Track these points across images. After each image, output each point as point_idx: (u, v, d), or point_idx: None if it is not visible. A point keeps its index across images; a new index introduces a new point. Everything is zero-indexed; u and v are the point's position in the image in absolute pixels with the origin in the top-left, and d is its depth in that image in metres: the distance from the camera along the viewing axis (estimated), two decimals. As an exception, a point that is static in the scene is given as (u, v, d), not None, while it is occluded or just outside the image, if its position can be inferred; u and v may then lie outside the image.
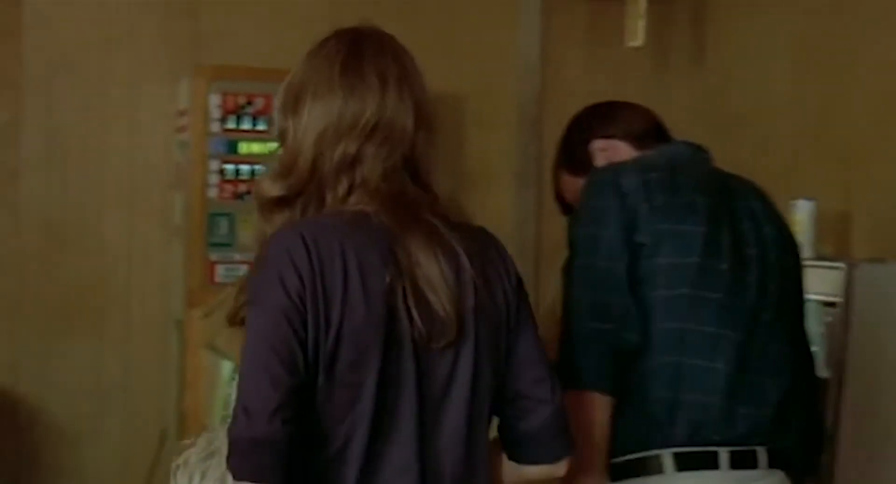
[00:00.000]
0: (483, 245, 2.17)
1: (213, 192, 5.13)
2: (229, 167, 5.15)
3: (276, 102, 2.20)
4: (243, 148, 5.16)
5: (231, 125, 5.15)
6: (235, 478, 1.96)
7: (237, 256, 5.15)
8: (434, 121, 2.18)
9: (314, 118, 2.10)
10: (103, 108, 5.41)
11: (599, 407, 2.66)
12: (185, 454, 2.58)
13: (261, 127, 5.18)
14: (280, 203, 2.13)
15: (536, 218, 5.88)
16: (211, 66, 5.18)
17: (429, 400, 2.05)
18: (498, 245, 2.23)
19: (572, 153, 3.03)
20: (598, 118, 3.05)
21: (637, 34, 5.04)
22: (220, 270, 5.12)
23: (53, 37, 5.36)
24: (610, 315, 2.69)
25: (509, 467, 2.24)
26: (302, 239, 2.00)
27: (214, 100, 5.12)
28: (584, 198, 2.77)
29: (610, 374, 2.68)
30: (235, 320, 2.14)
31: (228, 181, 5.16)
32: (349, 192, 2.10)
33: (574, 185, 2.98)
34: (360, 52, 2.15)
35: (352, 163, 2.10)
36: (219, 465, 2.24)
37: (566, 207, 3.09)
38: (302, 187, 2.11)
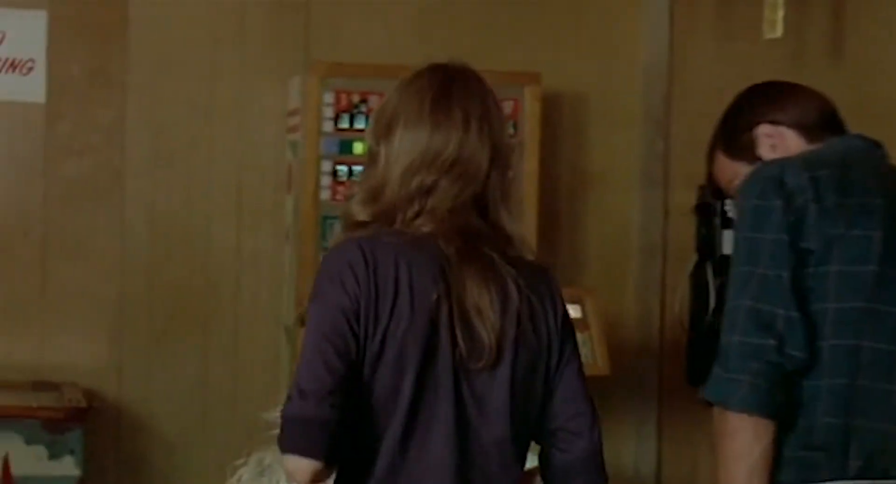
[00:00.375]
0: (535, 282, 2.35)
1: (325, 195, 4.94)
2: (342, 168, 4.97)
3: (369, 126, 2.43)
4: (357, 148, 4.93)
5: (344, 124, 4.96)
6: (284, 451, 2.19)
7: None
8: (510, 159, 2.40)
9: (404, 148, 2.32)
10: (211, 107, 5.24)
11: (756, 432, 2.40)
12: (238, 473, 2.98)
13: None
14: (362, 223, 2.35)
15: (663, 220, 5.60)
16: (324, 63, 4.98)
17: (463, 416, 2.26)
18: (552, 284, 2.42)
19: (733, 135, 2.74)
20: (766, 101, 2.75)
21: (776, 25, 4.73)
22: None
23: (159, 34, 5.22)
24: (772, 329, 2.43)
25: None
26: (361, 250, 2.26)
27: (327, 98, 4.93)
28: (743, 197, 2.49)
29: (770, 395, 2.40)
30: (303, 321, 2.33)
31: (341, 183, 4.96)
32: (416, 216, 2.31)
33: (730, 169, 2.71)
34: (449, 89, 2.35)
35: (426, 192, 2.30)
36: (270, 483, 2.60)
37: (717, 192, 2.81)
38: (385, 212, 2.32)
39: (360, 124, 4.95)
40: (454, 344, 2.25)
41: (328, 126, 4.94)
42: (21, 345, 5.03)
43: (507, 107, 5.02)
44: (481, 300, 2.26)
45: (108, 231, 5.13)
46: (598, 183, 5.59)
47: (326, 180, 4.94)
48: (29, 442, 4.41)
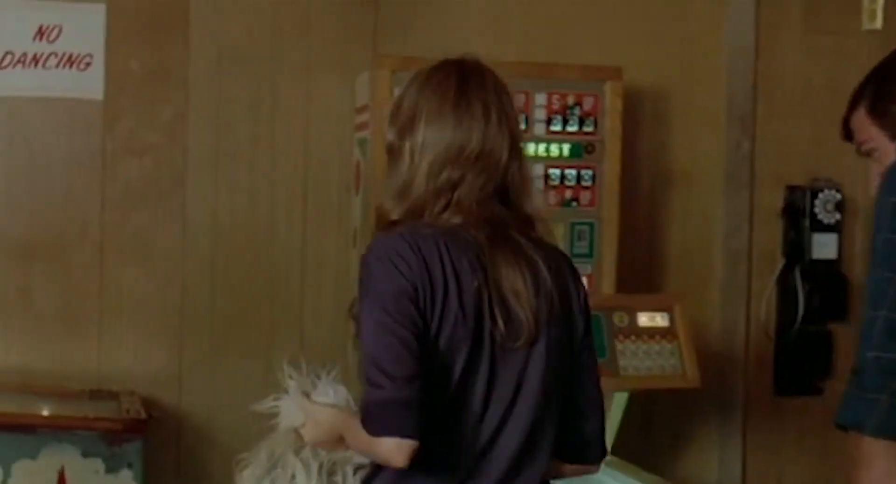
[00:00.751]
0: (560, 264, 2.49)
1: None
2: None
3: (388, 119, 2.52)
4: None
5: None
6: (379, 435, 2.24)
7: None
8: (524, 148, 2.53)
9: (428, 143, 2.42)
10: (275, 104, 5.03)
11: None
12: (246, 472, 2.85)
13: None
14: (395, 222, 2.45)
15: (749, 224, 5.35)
16: (394, 57, 4.73)
17: (498, 392, 2.35)
18: (572, 266, 2.57)
19: (882, 101, 2.47)
20: None
21: (875, 16, 4.47)
22: None
23: (222, 28, 5.00)
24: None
25: (558, 465, 2.55)
26: (405, 240, 2.35)
27: (397, 94, 4.64)
28: (885, 192, 2.21)
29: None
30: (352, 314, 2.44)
31: None
32: (444, 209, 2.41)
33: (866, 130, 2.47)
34: (467, 83, 2.45)
35: (453, 186, 2.41)
36: (283, 474, 2.65)
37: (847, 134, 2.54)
38: (414, 208, 2.42)
39: None
40: (494, 326, 2.35)
41: (399, 123, 4.67)
42: (78, 352, 4.84)
43: (587, 103, 4.79)
44: (517, 282, 2.37)
45: (168, 233, 4.93)
46: (680, 184, 5.35)
47: (397, 180, 4.67)
48: (86, 454, 4.19)
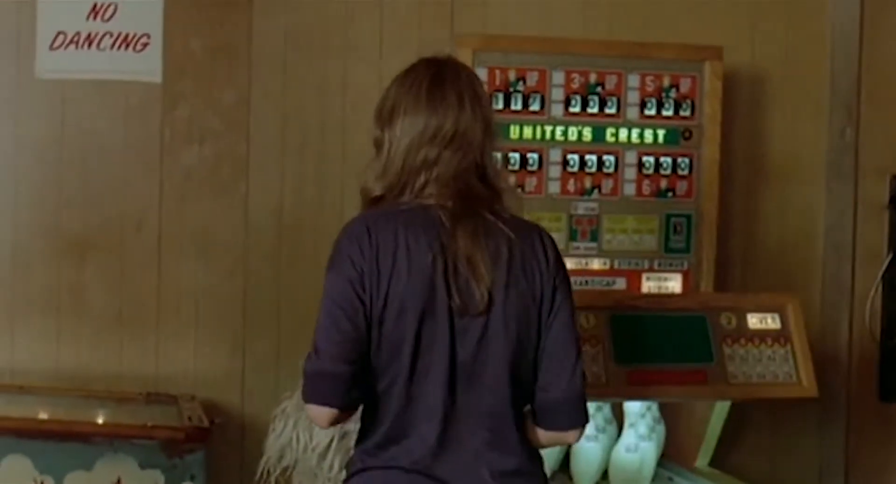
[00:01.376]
0: (526, 236, 2.73)
1: None
2: (496, 155, 4.27)
3: (374, 117, 2.81)
4: (513, 132, 4.37)
5: (498, 106, 4.36)
6: (306, 401, 2.62)
7: None
8: (496, 132, 2.82)
9: (405, 130, 2.71)
10: (345, 87, 4.73)
11: None
12: (283, 404, 3.57)
13: (534, 107, 4.39)
14: (377, 198, 2.74)
15: (853, 217, 5.00)
16: (476, 36, 4.41)
17: (462, 358, 2.62)
18: (543, 237, 2.79)
19: None
20: None
21: None
22: None
23: (289, 5, 4.68)
24: None
25: (534, 429, 2.74)
26: (366, 226, 2.65)
27: (480, 75, 4.29)
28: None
29: None
30: None
31: None
32: (424, 186, 2.68)
33: None
34: (442, 77, 2.75)
35: (431, 164, 2.69)
36: (303, 437, 3.31)
37: None
38: (394, 185, 2.71)
39: (516, 106, 4.38)
40: (450, 296, 2.61)
41: (480, 107, 4.34)
42: (133, 352, 4.58)
43: (684, 85, 4.46)
44: (472, 253, 2.62)
45: (230, 227, 4.64)
46: (778, 174, 4.99)
47: (478, 169, 4.34)
48: (144, 466, 3.88)
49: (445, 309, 2.63)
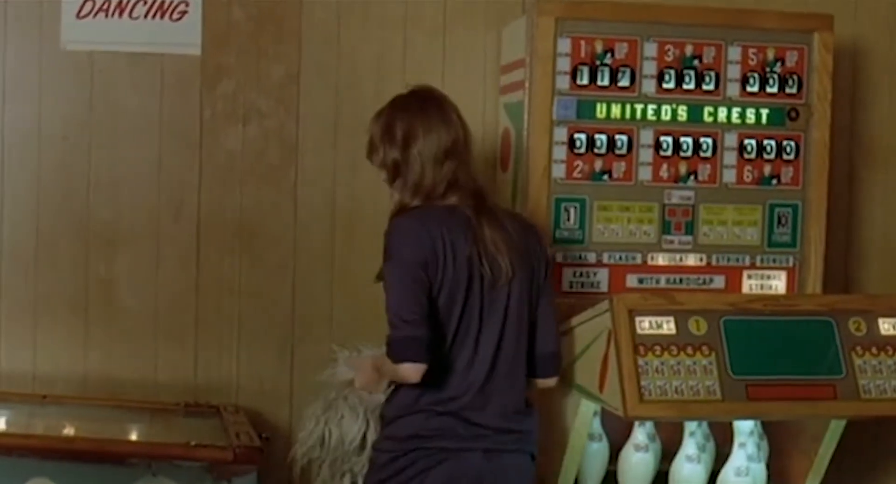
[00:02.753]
0: (528, 227, 3.53)
1: (559, 171, 3.99)
2: (581, 136, 4.00)
3: (380, 140, 3.50)
4: (599, 111, 3.99)
5: (584, 81, 3.98)
6: (399, 362, 3.28)
7: (591, 258, 4.01)
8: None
9: (428, 147, 3.42)
10: (404, 62, 4.46)
11: None
12: (307, 411, 3.88)
13: (623, 83, 4.01)
14: (413, 207, 3.45)
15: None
16: (558, 2, 4.00)
17: (491, 319, 3.37)
18: (537, 231, 3.57)
19: None
20: None
21: None
22: (567, 275, 4.00)
23: (340, -26, 4.44)
24: None
25: (529, 380, 3.50)
26: (419, 222, 3.37)
27: (562, 46, 3.95)
28: None
29: None
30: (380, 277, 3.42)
31: (580, 155, 4.00)
32: (446, 191, 3.42)
33: None
34: (438, 100, 3.51)
35: (453, 173, 3.43)
36: (335, 415, 3.77)
37: None
38: (426, 194, 3.43)
39: (603, 81, 3.99)
40: (482, 273, 3.34)
41: (563, 82, 3.98)
42: (170, 357, 4.34)
43: (791, 58, 4.12)
44: (496, 238, 3.36)
45: (278, 216, 4.38)
46: (885, 160, 4.66)
47: (560, 152, 3.99)
48: (187, 491, 3.49)
49: (479, 283, 3.34)
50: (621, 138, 3.97)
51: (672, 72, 4.00)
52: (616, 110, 3.98)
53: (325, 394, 3.81)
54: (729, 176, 4.06)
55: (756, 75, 4.05)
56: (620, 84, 3.97)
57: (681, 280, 4.03)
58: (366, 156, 3.62)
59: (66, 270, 4.26)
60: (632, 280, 3.99)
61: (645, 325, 3.39)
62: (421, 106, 3.46)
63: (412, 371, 3.25)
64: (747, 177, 4.06)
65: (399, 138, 3.43)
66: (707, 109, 4.03)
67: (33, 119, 4.23)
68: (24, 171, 4.23)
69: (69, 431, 3.79)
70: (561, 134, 3.95)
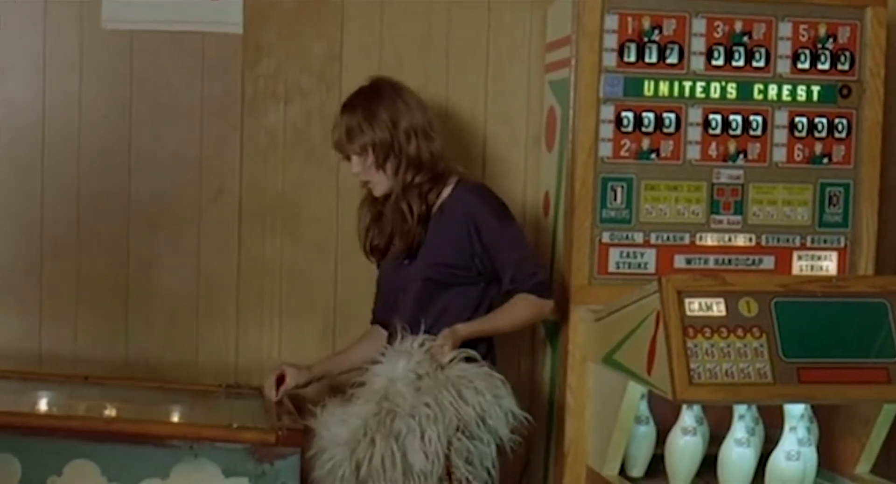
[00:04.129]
0: None
1: (605, 150, 3.92)
2: (628, 115, 3.92)
3: (365, 124, 3.73)
4: (647, 88, 3.91)
5: (631, 58, 3.90)
6: (550, 298, 3.72)
7: (638, 238, 3.92)
8: None
9: (415, 130, 3.73)
10: (448, 39, 4.39)
11: None
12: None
13: (672, 60, 3.93)
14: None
15: None
16: (606, -23, 3.95)
17: None
18: None
19: None
20: None
21: None
22: (614, 256, 3.94)
23: (381, -50, 4.37)
24: None
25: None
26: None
27: (610, 23, 3.88)
28: None
29: None
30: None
31: (627, 134, 3.92)
32: (436, 158, 3.77)
33: None
34: (402, 87, 3.82)
35: (437, 146, 3.80)
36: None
37: None
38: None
39: (651, 58, 3.92)
40: None
41: (610, 59, 3.90)
42: (210, 338, 4.30)
43: (843, 34, 4.03)
44: None
45: (320, 196, 4.31)
46: None
47: (607, 131, 3.91)
48: (228, 473, 3.39)
49: None
50: (669, 116, 3.89)
51: (721, 48, 3.92)
52: (664, 88, 3.90)
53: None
54: (779, 154, 3.98)
55: (807, 52, 3.96)
56: (668, 61, 3.89)
57: (730, 261, 3.95)
58: (337, 146, 3.76)
59: (106, 251, 4.22)
60: (680, 261, 3.92)
61: (694, 306, 3.31)
62: (401, 93, 3.75)
63: (553, 305, 3.72)
64: (798, 155, 3.98)
65: (417, 125, 3.70)
66: (757, 87, 3.95)
67: (74, 99, 4.18)
68: (65, 150, 4.18)
69: (110, 412, 3.73)
70: (608, 112, 3.88)
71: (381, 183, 3.75)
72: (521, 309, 3.69)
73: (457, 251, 3.70)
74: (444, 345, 3.55)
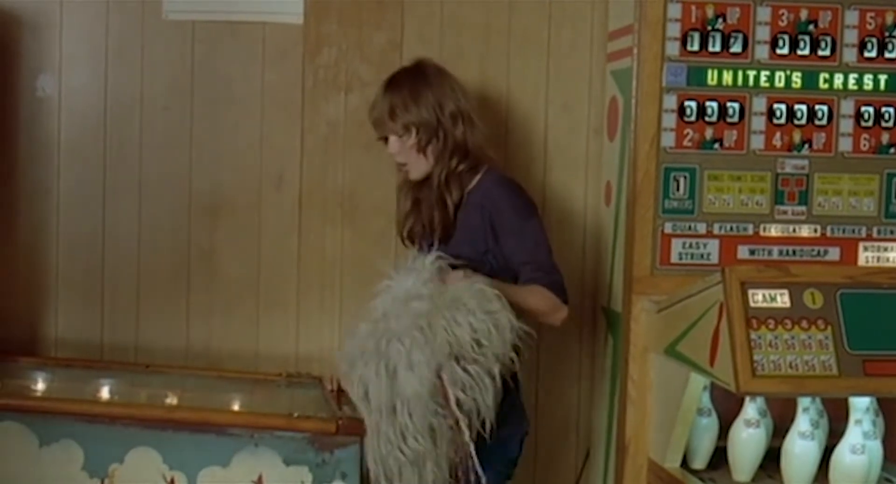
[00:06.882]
0: None
1: (668, 140, 3.85)
2: (691, 104, 3.86)
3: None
4: (711, 77, 3.85)
5: (694, 47, 3.84)
6: (567, 302, 3.57)
7: (701, 228, 3.86)
8: None
9: (462, 114, 3.65)
10: (510, 30, 4.34)
11: None
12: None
13: (735, 49, 3.86)
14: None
15: None
16: (669, -34, 3.89)
17: None
18: None
19: None
20: None
21: None
22: (676, 246, 3.87)
23: (442, -62, 4.31)
24: None
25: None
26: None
27: (673, 11, 3.83)
28: None
29: None
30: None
31: (690, 123, 3.85)
32: (479, 146, 3.70)
33: None
34: (444, 70, 3.76)
35: (480, 134, 3.73)
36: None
37: None
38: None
39: (714, 47, 3.85)
40: None
41: (673, 48, 3.84)
42: (271, 327, 4.28)
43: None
44: None
45: (380, 186, 4.24)
46: None
47: (670, 120, 3.84)
48: (289, 462, 3.40)
49: None
50: (733, 106, 3.82)
51: (786, 37, 3.86)
52: (728, 77, 3.83)
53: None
54: (845, 144, 3.90)
55: (874, 40, 3.88)
56: (732, 50, 3.82)
57: (794, 252, 3.89)
58: (376, 124, 3.67)
59: (167, 241, 4.21)
60: (743, 251, 3.86)
61: (758, 297, 3.25)
62: (445, 76, 3.69)
63: (566, 312, 3.54)
64: (864, 145, 3.90)
65: (460, 111, 3.63)
66: (822, 76, 3.87)
67: (135, 89, 4.18)
68: (127, 140, 4.18)
69: (171, 400, 3.74)
70: (670, 101, 3.81)
71: (420, 166, 3.67)
72: (537, 297, 3.51)
73: (471, 245, 3.60)
74: (455, 273, 3.44)
